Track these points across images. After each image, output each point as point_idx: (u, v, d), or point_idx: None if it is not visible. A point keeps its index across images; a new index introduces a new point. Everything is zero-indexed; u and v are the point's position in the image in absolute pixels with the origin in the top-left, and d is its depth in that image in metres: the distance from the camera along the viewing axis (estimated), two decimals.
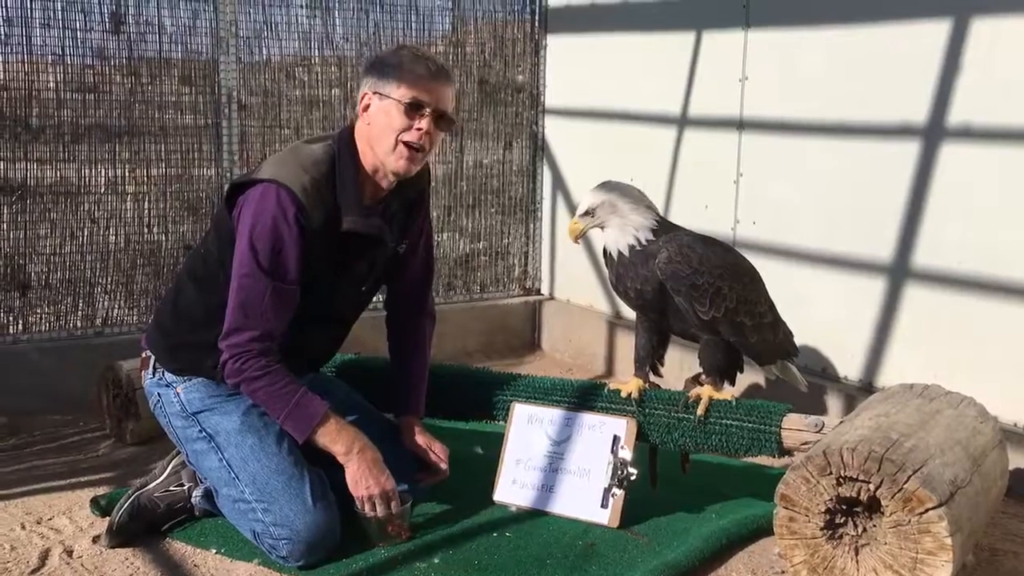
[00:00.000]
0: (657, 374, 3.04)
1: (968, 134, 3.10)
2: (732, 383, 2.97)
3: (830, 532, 2.30)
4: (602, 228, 2.90)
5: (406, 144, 2.57)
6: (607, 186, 2.93)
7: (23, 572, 2.52)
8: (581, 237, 2.96)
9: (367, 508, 2.59)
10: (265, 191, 2.53)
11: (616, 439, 2.83)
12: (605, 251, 2.94)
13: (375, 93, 2.59)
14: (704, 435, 2.80)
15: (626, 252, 2.83)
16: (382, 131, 2.58)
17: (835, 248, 3.52)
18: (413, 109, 2.56)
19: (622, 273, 2.87)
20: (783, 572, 2.52)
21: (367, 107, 2.61)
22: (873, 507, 2.26)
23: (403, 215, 2.80)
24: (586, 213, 2.89)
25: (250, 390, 2.56)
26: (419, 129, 2.57)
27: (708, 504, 2.92)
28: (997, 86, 3.02)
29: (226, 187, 4.04)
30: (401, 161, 2.59)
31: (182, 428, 2.71)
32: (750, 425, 2.75)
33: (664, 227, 2.88)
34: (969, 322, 3.15)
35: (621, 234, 2.86)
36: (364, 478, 2.58)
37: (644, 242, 2.82)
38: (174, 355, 2.73)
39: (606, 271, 3.01)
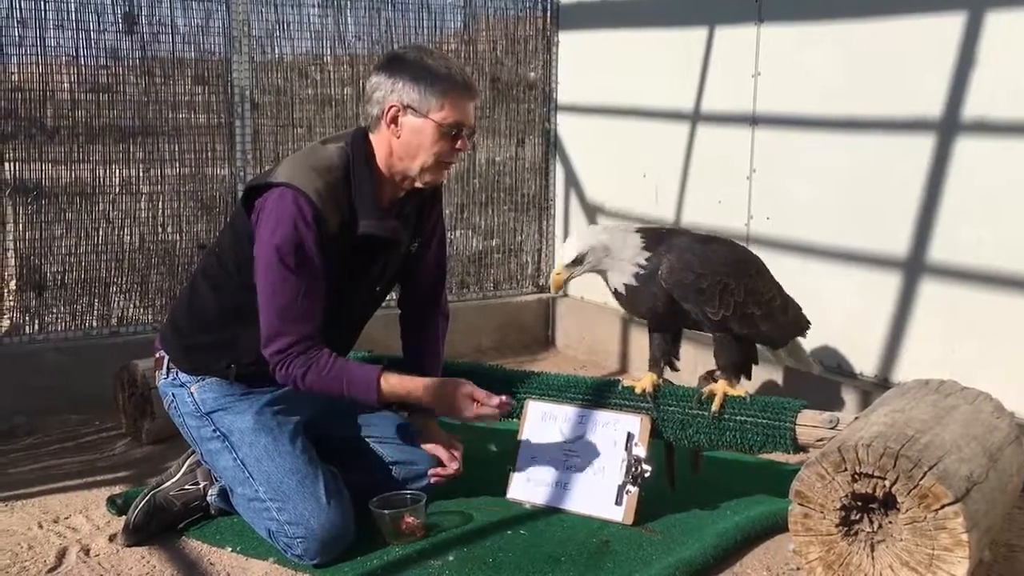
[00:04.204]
0: (674, 368, 3.03)
1: (983, 128, 3.08)
2: (749, 377, 2.96)
3: (845, 529, 2.30)
4: (598, 272, 2.85)
5: (445, 162, 2.61)
6: (587, 232, 2.85)
7: (40, 571, 2.54)
8: (565, 285, 2.85)
9: (483, 417, 2.62)
10: (282, 195, 2.53)
11: (630, 436, 2.83)
12: (610, 287, 2.91)
13: (407, 107, 2.57)
14: (718, 431, 2.80)
15: (633, 282, 2.81)
16: (418, 149, 2.58)
17: (850, 243, 3.50)
18: (454, 132, 2.58)
19: (633, 300, 2.86)
20: (798, 569, 2.51)
21: (395, 119, 2.58)
22: (889, 503, 2.25)
23: (416, 214, 2.80)
24: (574, 261, 2.80)
25: (305, 387, 2.58)
26: (458, 150, 2.61)
27: (723, 501, 2.92)
28: (1012, 79, 3.00)
29: (240, 187, 4.09)
30: (437, 175, 2.64)
31: (196, 428, 2.72)
32: (764, 421, 2.74)
33: (653, 239, 2.84)
34: (985, 317, 3.13)
35: (620, 273, 2.82)
36: (454, 411, 2.62)
37: (644, 264, 2.79)
38: (188, 355, 2.74)
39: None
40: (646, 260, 2.79)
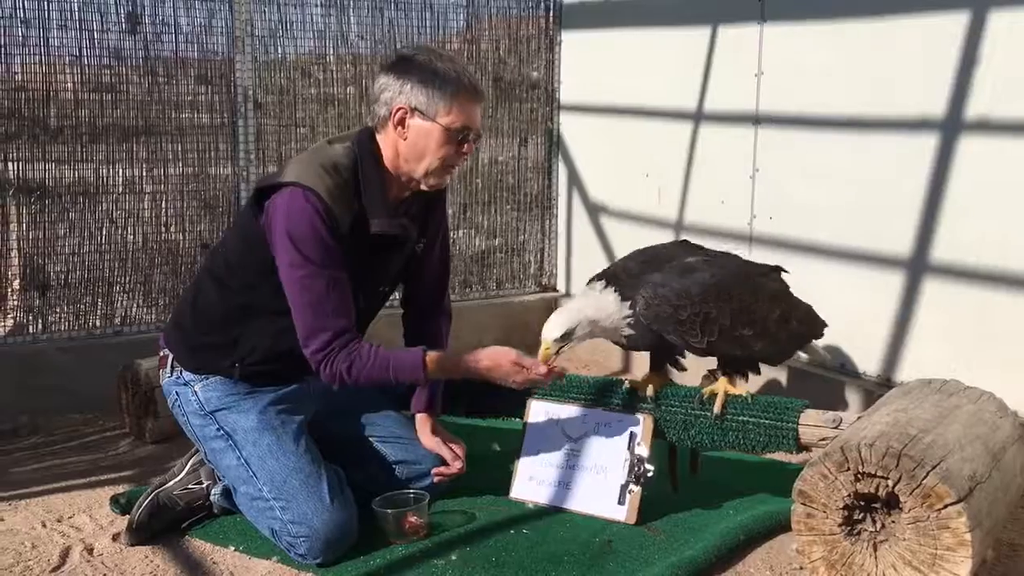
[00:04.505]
0: (680, 368, 3.03)
1: (986, 127, 3.08)
2: (758, 372, 2.95)
3: (848, 528, 2.30)
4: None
5: (451, 165, 2.62)
6: (572, 308, 2.77)
7: (44, 570, 2.55)
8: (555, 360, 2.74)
9: (529, 378, 2.61)
10: (292, 194, 2.53)
11: (633, 436, 2.83)
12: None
13: (415, 110, 2.57)
14: (721, 432, 2.80)
15: (631, 332, 2.78)
16: (424, 152, 2.59)
17: (853, 243, 3.50)
18: (461, 136, 2.58)
19: (636, 344, 2.85)
20: (801, 568, 2.51)
21: (402, 120, 2.58)
22: (892, 503, 2.25)
23: (421, 214, 2.81)
24: (564, 336, 2.71)
25: (351, 381, 2.56)
26: (464, 153, 2.61)
27: (725, 501, 2.92)
28: (1015, 78, 2.99)
29: (243, 186, 4.10)
30: (441, 178, 2.64)
31: (200, 427, 2.72)
32: (767, 421, 2.74)
33: (629, 285, 2.77)
34: (988, 317, 3.13)
35: (612, 334, 2.80)
36: (503, 380, 2.61)
37: (630, 313, 2.75)
38: (193, 354, 2.74)
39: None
40: (630, 309, 2.75)
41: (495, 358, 2.60)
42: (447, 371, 2.65)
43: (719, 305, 2.75)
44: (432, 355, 2.61)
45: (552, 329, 2.71)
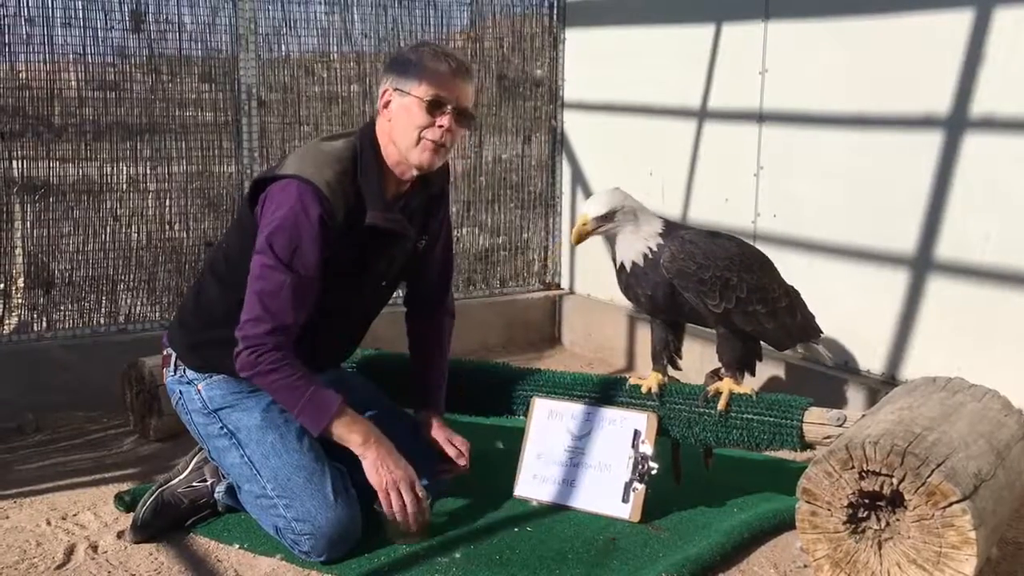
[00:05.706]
0: (676, 367, 3.03)
1: (991, 124, 3.07)
2: (752, 373, 2.96)
3: (853, 526, 2.30)
4: (612, 236, 2.85)
5: (429, 140, 2.59)
6: (619, 192, 2.84)
7: (49, 567, 2.55)
8: (584, 240, 2.81)
9: (392, 498, 2.56)
10: (287, 186, 2.54)
11: (637, 433, 2.83)
12: (617, 261, 2.90)
13: (395, 90, 2.60)
14: (725, 429, 2.80)
15: (640, 262, 2.81)
16: (404, 127, 2.59)
17: (857, 241, 3.49)
18: (435, 107, 2.57)
19: (632, 282, 2.86)
20: (806, 566, 2.51)
21: (387, 103, 2.62)
22: (896, 501, 2.25)
23: (424, 211, 2.81)
24: (604, 216, 2.78)
25: (265, 383, 2.55)
26: (441, 126, 2.58)
27: (730, 498, 2.92)
28: (1020, 77, 2.99)
29: (247, 184, 4.09)
30: (425, 154, 2.60)
31: (204, 425, 2.72)
32: (771, 419, 2.74)
33: (670, 229, 2.86)
34: (993, 314, 3.12)
35: (632, 244, 2.82)
36: (383, 466, 2.56)
37: (655, 248, 2.80)
38: (196, 352, 2.74)
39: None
40: (656, 246, 2.80)
41: (392, 456, 2.57)
42: (349, 430, 2.57)
43: (740, 275, 2.80)
44: (349, 411, 2.57)
45: (595, 205, 2.78)
